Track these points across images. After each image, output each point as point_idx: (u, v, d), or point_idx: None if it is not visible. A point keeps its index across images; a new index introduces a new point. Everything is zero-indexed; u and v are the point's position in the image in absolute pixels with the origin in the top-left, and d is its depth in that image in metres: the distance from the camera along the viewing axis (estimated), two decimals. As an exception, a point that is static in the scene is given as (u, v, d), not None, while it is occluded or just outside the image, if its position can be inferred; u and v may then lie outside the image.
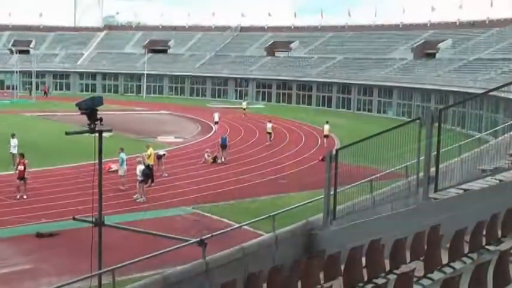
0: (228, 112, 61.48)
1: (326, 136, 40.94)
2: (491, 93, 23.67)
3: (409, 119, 14.72)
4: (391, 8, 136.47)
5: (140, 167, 23.55)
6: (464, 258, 9.04)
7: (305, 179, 28.16)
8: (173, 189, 25.50)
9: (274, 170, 30.55)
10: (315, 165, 31.90)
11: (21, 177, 22.99)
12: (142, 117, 57.60)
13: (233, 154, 34.68)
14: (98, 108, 9.51)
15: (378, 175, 14.20)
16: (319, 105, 74.57)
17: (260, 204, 22.90)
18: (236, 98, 79.74)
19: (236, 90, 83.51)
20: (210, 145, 36.67)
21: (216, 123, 48.80)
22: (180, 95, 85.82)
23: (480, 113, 45.31)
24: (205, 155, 32.29)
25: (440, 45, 70.70)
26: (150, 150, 26.44)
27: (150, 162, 26.00)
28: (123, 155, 25.16)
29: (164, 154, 29.40)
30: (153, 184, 25.76)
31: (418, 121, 11.94)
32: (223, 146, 32.99)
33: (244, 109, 61.39)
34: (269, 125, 41.81)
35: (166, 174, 28.28)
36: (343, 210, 12.60)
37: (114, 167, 28.39)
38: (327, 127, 41.21)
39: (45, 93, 79.42)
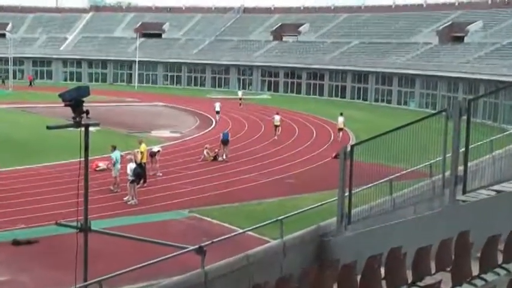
0: (230, 103, 61.43)
1: (340, 129, 41.02)
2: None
3: (434, 111, 14.67)
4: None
5: (131, 166, 23.57)
6: (497, 269, 9.01)
7: (316, 179, 28.14)
8: (168, 190, 25.52)
9: (281, 169, 30.55)
10: (328, 163, 31.88)
11: None
12: (134, 110, 57.62)
13: (236, 151, 34.70)
14: (84, 99, 9.50)
15: (399, 174, 14.17)
16: (331, 96, 74.50)
17: (266, 207, 22.91)
18: (239, 88, 79.69)
19: (239, 79, 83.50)
20: (211, 140, 36.68)
21: (217, 113, 50.12)
22: (176, 84, 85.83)
23: (515, 104, 45.15)
24: (205, 152, 32.31)
25: (469, 27, 70.45)
26: (143, 147, 26.44)
27: (143, 160, 26.00)
28: (116, 154, 25.05)
29: (158, 151, 29.42)
30: (145, 184, 25.78)
31: (444, 113, 11.89)
32: (225, 142, 32.99)
33: (240, 99, 61.71)
34: (277, 117, 42.00)
35: (161, 174, 28.31)
36: (359, 214, 12.57)
37: (102, 165, 28.46)
38: (341, 119, 41.25)
39: (30, 82, 79.41)
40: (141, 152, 26.06)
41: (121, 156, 25.26)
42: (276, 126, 41.57)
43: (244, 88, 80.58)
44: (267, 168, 30.51)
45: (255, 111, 57.73)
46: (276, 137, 40.54)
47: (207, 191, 25.41)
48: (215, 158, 32.23)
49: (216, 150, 32.96)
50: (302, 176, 29.28)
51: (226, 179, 27.99)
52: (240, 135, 41.44)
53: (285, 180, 28.30)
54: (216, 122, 48.96)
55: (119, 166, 24.82)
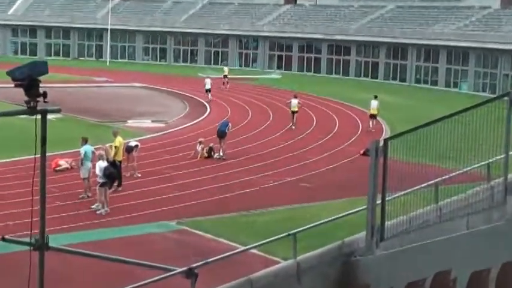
0: (233, 84, 61.49)
1: (373, 116, 41.35)
2: None
3: (494, 96, 14.63)
4: None
5: (101, 164, 23.52)
6: None
7: (339, 182, 28.14)
8: (149, 195, 25.53)
9: (294, 169, 30.56)
10: (354, 161, 31.88)
11: None
12: (106, 93, 57.70)
13: (237, 145, 34.72)
14: (41, 78, 9.49)
15: (447, 177, 14.11)
16: (359, 76, 74.42)
17: (275, 218, 22.90)
18: (240, 65, 79.74)
19: (241, 54, 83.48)
20: (204, 132, 36.68)
21: (208, 91, 52.37)
22: (160, 60, 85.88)
23: None
24: (198, 147, 32.29)
25: (538, -13, 70.27)
26: (119, 140, 26.39)
27: (118, 157, 25.96)
28: (86, 149, 25.01)
29: (136, 146, 29.43)
30: (120, 188, 25.79)
31: (506, 98, 11.85)
32: (221, 135, 32.87)
33: (225, 76, 62.62)
34: (294, 102, 42.48)
35: (140, 175, 28.33)
36: (396, 228, 12.53)
37: (63, 163, 28.50)
38: (375, 104, 41.68)
39: None
40: (116, 147, 26.04)
41: (92, 152, 25.20)
42: (294, 112, 42.07)
43: (247, 65, 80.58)
44: (276, 168, 30.50)
45: (261, 94, 57.72)
46: (293, 126, 41.21)
47: (200, 197, 25.40)
48: (210, 155, 32.23)
49: (211, 144, 32.95)
50: (321, 177, 29.28)
51: (223, 181, 27.98)
52: (242, 125, 41.46)
53: (299, 183, 28.30)
54: (208, 104, 49.51)
55: (89, 164, 24.75)
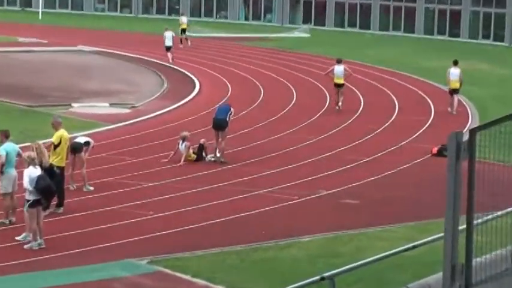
0: (226, 47, 61.54)
1: (454, 92, 41.51)
2: None
3: None
4: None
5: (32, 173, 23.44)
6: None
7: (400, 197, 28.15)
8: (107, 219, 25.51)
9: (331, 177, 30.58)
10: (423, 165, 31.94)
11: None
12: (38, 61, 57.84)
13: (242, 141, 34.76)
14: None
15: None
16: (431, 33, 74.59)
17: (300, 253, 22.88)
18: (246, 18, 79.99)
19: (245, 2, 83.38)
20: (192, 122, 36.67)
21: (168, 49, 56.23)
22: (122, 10, 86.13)
23: None
24: (180, 145, 32.30)
25: None
26: (61, 135, 26.35)
27: (59, 162, 25.90)
28: (9, 148, 24.96)
29: (88, 143, 29.47)
30: (60, 210, 25.74)
31: None
32: (219, 125, 32.81)
33: (183, 30, 65.51)
34: (339, 69, 42.98)
35: (92, 188, 28.33)
36: (489, 268, 12.48)
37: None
38: (455, 74, 41.83)
39: None
40: (54, 145, 26.00)
41: (19, 154, 25.16)
42: (338, 86, 42.47)
43: (257, 18, 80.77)
44: (304, 177, 30.49)
45: (279, 62, 57.72)
46: (337, 107, 42.17)
47: (185, 222, 25.36)
48: (200, 157, 32.22)
49: (202, 140, 32.94)
50: (372, 190, 29.25)
51: (222, 197, 27.93)
52: (249, 110, 41.48)
53: (339, 199, 28.29)
54: (197, 80, 49.80)
55: (13, 173, 24.74)
